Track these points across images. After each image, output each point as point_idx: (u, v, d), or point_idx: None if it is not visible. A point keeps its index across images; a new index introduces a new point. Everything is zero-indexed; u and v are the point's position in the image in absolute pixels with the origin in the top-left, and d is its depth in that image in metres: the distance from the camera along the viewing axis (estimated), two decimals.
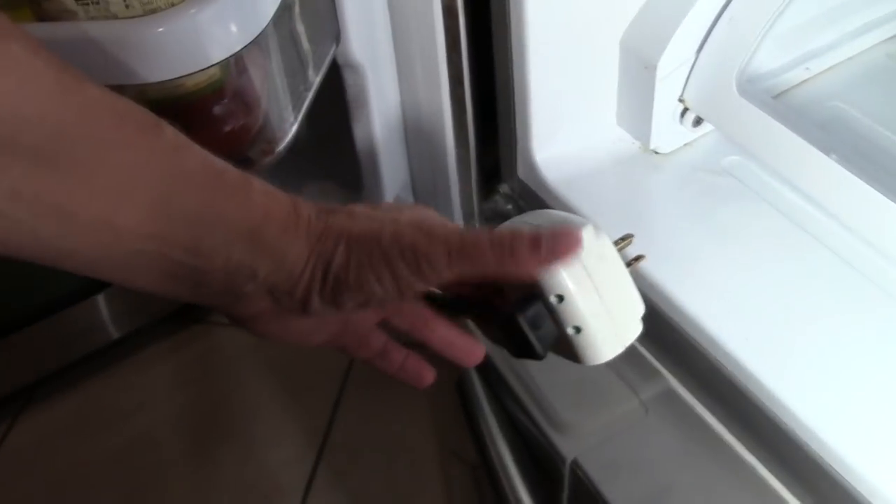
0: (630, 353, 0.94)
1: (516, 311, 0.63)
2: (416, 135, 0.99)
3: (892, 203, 0.85)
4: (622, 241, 0.69)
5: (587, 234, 0.62)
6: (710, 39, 1.00)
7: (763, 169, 1.04)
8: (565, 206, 1.03)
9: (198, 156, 0.59)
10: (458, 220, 1.06)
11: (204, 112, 0.75)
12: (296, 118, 0.82)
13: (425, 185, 1.04)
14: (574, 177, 1.05)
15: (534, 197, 1.09)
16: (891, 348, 0.87)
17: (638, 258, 0.72)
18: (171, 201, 0.56)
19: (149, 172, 0.55)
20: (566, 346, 0.65)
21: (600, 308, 0.63)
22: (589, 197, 1.03)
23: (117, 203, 0.54)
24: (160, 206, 0.56)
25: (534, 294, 0.63)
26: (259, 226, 0.60)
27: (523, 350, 0.64)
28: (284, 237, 0.60)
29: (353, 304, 0.62)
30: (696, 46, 1.01)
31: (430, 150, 1.00)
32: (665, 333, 0.94)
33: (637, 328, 0.66)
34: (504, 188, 1.15)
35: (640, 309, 0.66)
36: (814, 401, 0.82)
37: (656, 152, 1.09)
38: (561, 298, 0.62)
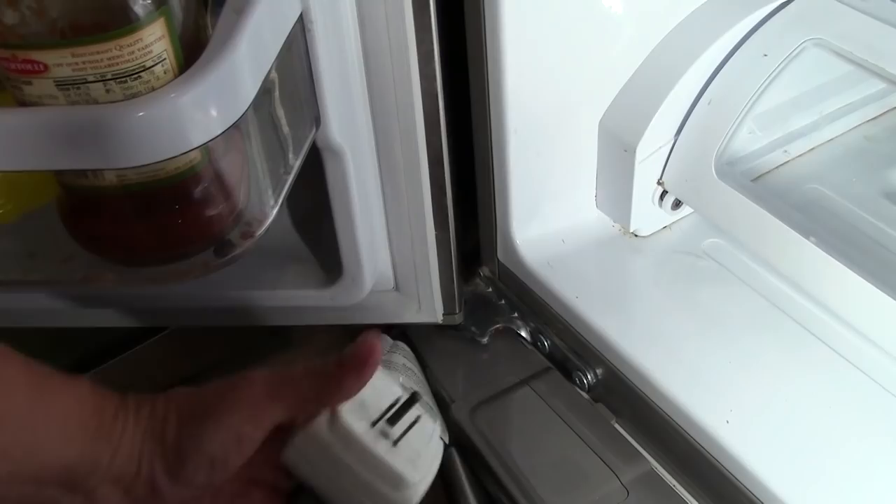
0: (611, 434, 0.95)
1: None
2: (396, 217, 0.99)
3: (871, 285, 0.86)
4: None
5: (320, 427, 0.66)
6: (688, 122, 1.01)
7: (742, 251, 1.05)
8: (545, 289, 1.03)
9: (19, 362, 0.61)
10: (439, 305, 1.06)
11: (184, 196, 0.75)
12: (276, 202, 0.82)
13: (405, 268, 1.03)
14: (554, 259, 1.06)
15: (513, 279, 1.09)
16: (875, 430, 0.87)
17: (417, 419, 0.71)
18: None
19: None
20: None
21: (352, 492, 0.66)
22: (568, 279, 1.03)
23: None
24: None
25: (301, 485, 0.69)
26: (92, 414, 0.62)
27: None
28: (116, 423, 0.62)
29: (200, 472, 0.63)
30: (674, 129, 1.02)
31: (411, 232, 1.00)
32: (645, 415, 0.93)
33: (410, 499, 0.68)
34: (484, 271, 1.15)
35: (409, 478, 0.67)
36: (796, 483, 0.82)
37: (636, 235, 1.09)
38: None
